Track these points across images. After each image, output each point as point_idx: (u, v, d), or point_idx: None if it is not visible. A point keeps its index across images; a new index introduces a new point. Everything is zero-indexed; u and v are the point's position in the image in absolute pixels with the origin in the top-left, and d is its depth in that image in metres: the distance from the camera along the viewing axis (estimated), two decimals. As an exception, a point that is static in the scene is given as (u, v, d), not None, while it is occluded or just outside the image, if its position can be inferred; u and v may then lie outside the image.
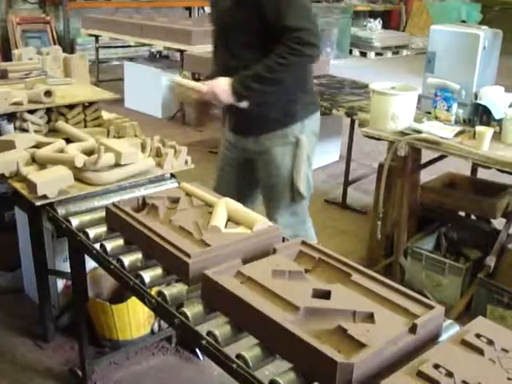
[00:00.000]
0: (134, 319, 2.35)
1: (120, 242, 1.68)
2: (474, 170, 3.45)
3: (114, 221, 1.74)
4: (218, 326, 1.30)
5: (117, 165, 2.06)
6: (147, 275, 1.50)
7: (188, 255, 1.45)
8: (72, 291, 2.31)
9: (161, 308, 1.40)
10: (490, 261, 2.60)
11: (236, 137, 2.38)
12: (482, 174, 3.37)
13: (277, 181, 2.30)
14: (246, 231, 1.60)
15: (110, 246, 1.65)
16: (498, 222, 3.11)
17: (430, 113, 2.89)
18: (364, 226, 3.50)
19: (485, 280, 2.63)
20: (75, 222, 1.81)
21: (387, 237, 3.00)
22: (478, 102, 2.68)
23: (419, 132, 2.64)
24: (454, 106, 2.79)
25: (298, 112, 2.26)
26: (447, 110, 2.81)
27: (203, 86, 2.17)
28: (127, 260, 1.57)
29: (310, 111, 2.31)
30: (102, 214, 1.85)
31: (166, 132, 5.04)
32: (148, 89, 6.21)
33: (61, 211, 1.88)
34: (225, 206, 1.70)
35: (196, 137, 5.41)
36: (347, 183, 4.08)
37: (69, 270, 2.27)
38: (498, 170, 2.49)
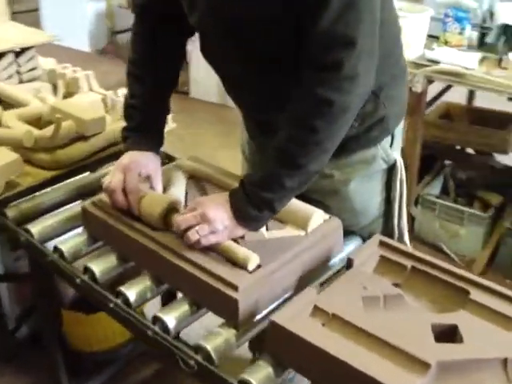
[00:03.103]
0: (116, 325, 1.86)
1: (111, 258, 1.17)
2: (469, 99, 3.08)
3: (97, 228, 1.21)
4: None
5: (79, 137, 1.51)
6: (170, 318, 1.01)
7: (234, 287, 0.97)
8: (34, 300, 1.80)
9: (207, 374, 0.93)
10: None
11: None
12: (480, 102, 3.02)
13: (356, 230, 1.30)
14: (297, 233, 1.12)
15: (98, 269, 1.13)
16: (506, 158, 2.79)
17: (437, 37, 2.44)
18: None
19: (513, 229, 2.31)
20: (36, 230, 1.27)
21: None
22: (506, 22, 2.25)
23: (436, 62, 2.20)
24: (468, 27, 2.35)
25: (387, 117, 1.23)
26: (460, 33, 2.37)
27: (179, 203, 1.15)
28: (132, 293, 1.07)
29: (402, 111, 1.31)
30: (72, 211, 1.32)
31: (103, 69, 4.27)
32: (70, 18, 5.37)
33: (12, 214, 1.32)
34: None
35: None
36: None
37: (23, 271, 1.78)
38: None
